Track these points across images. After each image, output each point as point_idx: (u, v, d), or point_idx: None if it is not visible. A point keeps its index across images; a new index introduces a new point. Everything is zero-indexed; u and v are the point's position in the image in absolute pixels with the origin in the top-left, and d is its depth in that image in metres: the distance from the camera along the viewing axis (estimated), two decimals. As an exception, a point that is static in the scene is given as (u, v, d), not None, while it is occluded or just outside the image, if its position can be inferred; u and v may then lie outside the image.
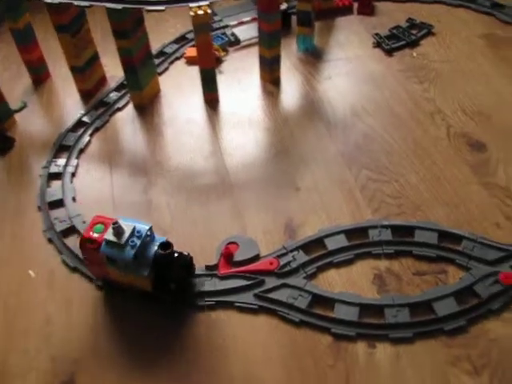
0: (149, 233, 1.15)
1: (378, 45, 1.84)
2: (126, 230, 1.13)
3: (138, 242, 1.13)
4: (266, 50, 1.67)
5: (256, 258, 1.29)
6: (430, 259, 1.26)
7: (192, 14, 1.48)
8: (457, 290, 1.20)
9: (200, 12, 1.47)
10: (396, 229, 1.31)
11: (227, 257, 1.28)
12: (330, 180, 1.43)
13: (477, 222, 1.33)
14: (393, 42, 1.84)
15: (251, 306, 1.20)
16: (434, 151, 1.50)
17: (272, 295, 1.21)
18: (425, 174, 1.44)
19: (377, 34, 1.86)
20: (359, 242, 1.29)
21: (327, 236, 1.30)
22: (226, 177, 1.46)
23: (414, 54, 1.81)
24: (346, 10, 2.00)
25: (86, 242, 1.15)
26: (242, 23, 1.94)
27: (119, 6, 1.46)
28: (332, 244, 1.29)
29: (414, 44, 1.85)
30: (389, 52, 1.82)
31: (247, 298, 1.22)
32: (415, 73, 1.74)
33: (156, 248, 1.15)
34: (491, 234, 1.31)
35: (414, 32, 1.88)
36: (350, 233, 1.30)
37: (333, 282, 1.23)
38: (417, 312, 1.17)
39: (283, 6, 1.90)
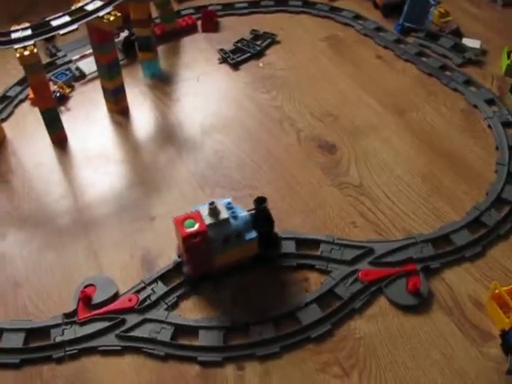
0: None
1: (223, 60, 1.83)
2: (219, 207, 1.16)
3: (237, 211, 1.18)
4: (107, 82, 1.62)
5: (115, 296, 1.23)
6: (291, 269, 1.24)
7: (18, 55, 1.40)
8: (319, 295, 1.19)
9: (26, 53, 1.40)
10: (254, 243, 1.28)
11: (85, 300, 1.22)
12: (184, 204, 1.39)
13: (333, 224, 1.33)
14: (238, 56, 1.83)
15: (115, 348, 1.15)
16: (286, 158, 1.49)
17: (134, 333, 1.16)
18: (278, 184, 1.43)
19: (222, 50, 1.85)
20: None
21: (185, 262, 1.26)
22: (80, 217, 1.40)
23: (260, 65, 1.81)
24: (191, 30, 1.98)
25: (190, 239, 1.14)
26: (85, 56, 1.87)
27: None
28: (190, 270, 1.25)
29: (259, 55, 1.85)
30: (235, 66, 1.81)
31: (110, 340, 1.16)
32: (262, 83, 1.74)
33: (245, 212, 1.20)
34: (348, 233, 1.31)
35: (258, 43, 1.89)
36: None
37: (195, 309, 1.19)
38: (282, 325, 1.14)
39: (124, 34, 1.86)
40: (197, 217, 1.16)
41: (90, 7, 1.49)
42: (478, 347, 1.11)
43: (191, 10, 2.08)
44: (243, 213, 1.19)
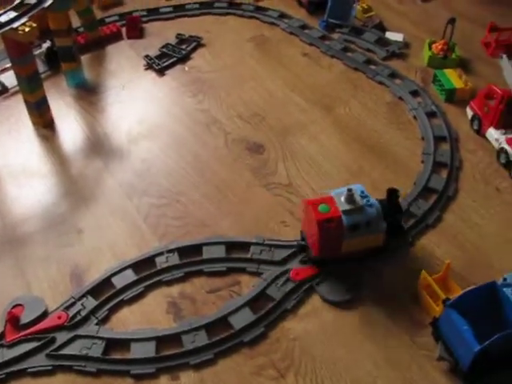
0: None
1: (149, 66, 1.81)
2: (355, 194, 1.17)
3: (371, 200, 1.18)
4: (29, 95, 1.58)
5: (44, 315, 1.19)
6: (221, 273, 1.24)
7: None
8: (250, 298, 1.19)
9: None
10: (183, 250, 1.27)
11: (13, 321, 1.18)
12: (111, 215, 1.37)
13: (263, 225, 1.33)
14: (164, 61, 1.82)
15: (45, 368, 1.11)
16: (214, 162, 1.49)
17: (65, 351, 1.13)
18: (206, 188, 1.42)
19: (147, 56, 1.83)
20: (147, 273, 1.24)
21: (114, 274, 1.24)
22: (5, 235, 1.36)
23: (186, 69, 1.80)
24: (115, 37, 1.96)
25: (324, 224, 1.14)
26: (6, 69, 1.82)
27: None
28: (120, 281, 1.23)
29: (185, 59, 1.84)
30: (161, 71, 1.79)
31: (40, 360, 1.13)
32: (188, 87, 1.73)
33: (377, 201, 1.19)
34: (279, 233, 1.31)
35: (183, 47, 1.88)
36: (136, 266, 1.25)
37: (127, 321, 1.17)
38: (215, 331, 1.14)
39: (46, 44, 1.82)
40: (330, 201, 1.17)
41: (3, 18, 1.45)
42: (411, 337, 1.12)
43: (116, 17, 2.05)
44: (375, 202, 1.19)
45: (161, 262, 1.25)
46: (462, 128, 1.59)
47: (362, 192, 1.20)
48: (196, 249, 1.27)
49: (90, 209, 1.40)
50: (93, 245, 1.31)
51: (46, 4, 1.51)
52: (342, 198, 1.18)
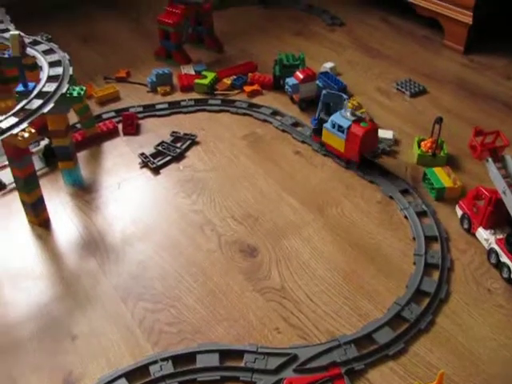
0: None
1: (144, 165, 1.84)
2: None
3: None
4: (25, 195, 1.60)
5: (35, 426, 1.18)
6: (215, 382, 1.23)
7: None
8: (244, 409, 1.17)
9: None
10: (177, 359, 1.27)
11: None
12: (106, 320, 1.37)
13: (257, 332, 1.33)
14: (159, 160, 1.85)
15: None
16: (208, 265, 1.50)
17: None
18: (200, 293, 1.43)
19: (142, 154, 1.86)
20: (141, 383, 1.23)
21: (107, 384, 1.23)
22: (-2, 340, 1.35)
23: (181, 168, 1.83)
24: (112, 134, 2.00)
25: None
26: (4, 167, 1.85)
27: None
28: (112, 392, 1.22)
29: (179, 157, 1.87)
30: (156, 170, 1.82)
31: None
32: (182, 187, 1.76)
33: None
34: (272, 340, 1.31)
35: (178, 145, 1.91)
36: (130, 375, 1.24)
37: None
38: None
39: (44, 142, 1.86)
40: None
41: (3, 124, 1.48)
42: None
43: (112, 113, 2.10)
44: None
45: (155, 370, 1.24)
46: (452, 226, 1.62)
47: None
48: (190, 357, 1.27)
49: (84, 313, 1.40)
50: (87, 352, 1.30)
51: (46, 109, 1.55)
52: None
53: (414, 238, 1.57)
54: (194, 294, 1.42)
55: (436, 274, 1.47)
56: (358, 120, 1.75)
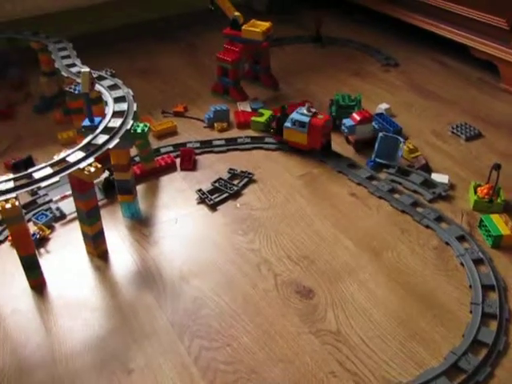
0: None
1: (201, 201, 1.87)
2: None
3: None
4: (87, 227, 1.65)
5: None
6: (270, 425, 1.23)
7: (-1, 208, 1.43)
8: None
9: (8, 206, 1.43)
10: (232, 400, 1.27)
11: None
12: (162, 355, 1.39)
13: (312, 374, 1.34)
14: (216, 196, 1.88)
15: None
16: (264, 305, 1.51)
17: None
18: (257, 332, 1.44)
19: (200, 190, 1.89)
20: (196, 422, 1.23)
21: (163, 422, 1.24)
22: (55, 370, 1.38)
23: (238, 205, 1.86)
24: (169, 168, 2.04)
25: None
26: (66, 197, 1.91)
27: None
28: (168, 430, 1.23)
29: (236, 194, 1.90)
30: (213, 206, 1.84)
31: None
32: (239, 225, 1.77)
33: None
34: (328, 384, 1.30)
35: (235, 182, 1.94)
36: (185, 413, 1.25)
37: None
38: None
39: (105, 175, 1.91)
40: None
41: (71, 158, 1.54)
42: None
43: (170, 148, 2.14)
44: None
45: (210, 411, 1.25)
46: (509, 275, 1.60)
47: None
48: (246, 398, 1.28)
49: (140, 347, 1.42)
50: (143, 387, 1.32)
51: (112, 144, 1.60)
52: None
53: (470, 286, 1.56)
54: (250, 333, 1.43)
55: (494, 325, 1.45)
56: (314, 114, 2.02)
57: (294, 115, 2.03)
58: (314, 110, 2.04)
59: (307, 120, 2.01)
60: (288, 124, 2.05)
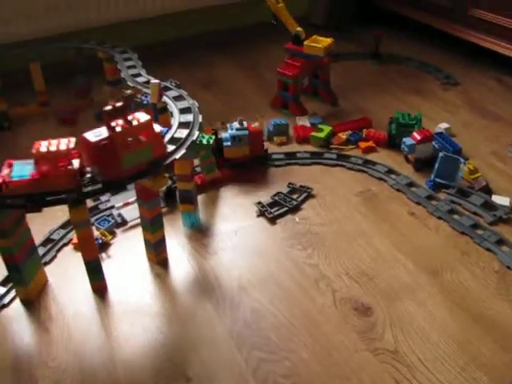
0: None
1: (261, 213, 1.89)
2: None
3: None
4: (149, 234, 1.68)
5: None
6: None
7: (71, 213, 1.47)
8: None
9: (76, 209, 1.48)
10: (291, 413, 1.28)
11: None
12: (220, 365, 1.41)
13: (369, 393, 1.33)
14: (275, 210, 1.90)
15: None
16: (322, 320, 1.52)
17: None
18: (314, 347, 1.44)
19: (259, 203, 1.92)
20: (254, 433, 1.25)
21: (222, 431, 1.26)
22: (115, 374, 1.41)
23: (297, 219, 1.87)
24: (229, 180, 2.06)
25: None
26: (128, 204, 1.95)
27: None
28: None
29: (295, 209, 1.91)
30: (272, 220, 1.86)
31: None
32: (298, 239, 1.79)
33: None
34: (385, 403, 1.30)
35: (294, 197, 1.96)
36: (244, 424, 1.27)
37: None
38: None
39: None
40: None
41: (139, 168, 1.57)
42: None
43: (230, 159, 2.17)
44: None
45: (268, 422, 1.27)
46: None
47: None
48: (303, 412, 1.28)
49: (199, 356, 1.44)
50: (202, 396, 1.34)
51: (178, 155, 1.63)
52: None
53: (532, 313, 1.54)
54: (308, 347, 1.44)
55: (558, 354, 1.43)
56: (249, 125, 2.07)
57: (231, 132, 2.06)
58: (245, 123, 2.08)
59: (247, 132, 2.05)
60: (228, 143, 2.07)
